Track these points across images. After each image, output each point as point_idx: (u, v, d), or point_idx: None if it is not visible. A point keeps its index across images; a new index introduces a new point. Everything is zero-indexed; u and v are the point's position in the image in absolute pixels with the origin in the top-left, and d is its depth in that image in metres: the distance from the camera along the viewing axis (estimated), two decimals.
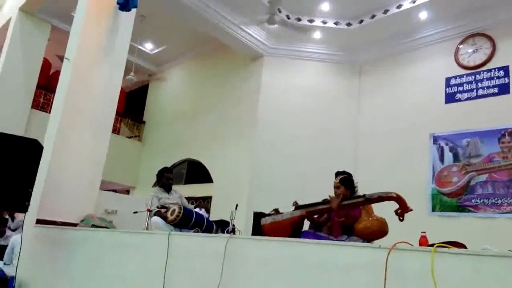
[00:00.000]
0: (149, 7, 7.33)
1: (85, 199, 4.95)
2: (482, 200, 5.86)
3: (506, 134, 5.88)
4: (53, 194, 4.63)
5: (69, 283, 4.13)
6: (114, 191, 9.72)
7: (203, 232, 4.19)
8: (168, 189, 4.92)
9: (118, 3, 5.30)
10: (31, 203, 3.71)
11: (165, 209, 4.43)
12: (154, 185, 9.69)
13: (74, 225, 4.67)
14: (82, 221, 4.72)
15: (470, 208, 5.93)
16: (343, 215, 3.26)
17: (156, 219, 4.32)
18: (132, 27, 5.81)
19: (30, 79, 8.27)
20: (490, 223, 5.72)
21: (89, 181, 5.06)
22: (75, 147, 4.93)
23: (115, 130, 9.83)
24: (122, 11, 5.38)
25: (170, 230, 3.86)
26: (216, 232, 4.36)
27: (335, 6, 7.15)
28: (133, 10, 5.57)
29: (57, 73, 6.19)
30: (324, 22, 7.50)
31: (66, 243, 4.34)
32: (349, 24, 7.40)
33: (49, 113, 5.51)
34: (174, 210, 4.21)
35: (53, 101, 5.32)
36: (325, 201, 3.31)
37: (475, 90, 6.39)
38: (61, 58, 5.49)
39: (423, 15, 6.77)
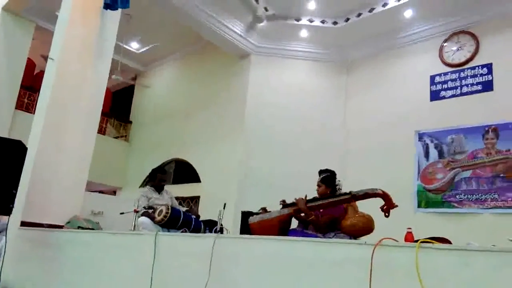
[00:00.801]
0: (135, 6, 7.25)
1: (71, 200, 4.90)
2: (466, 196, 5.95)
3: (490, 130, 5.98)
4: (38, 196, 4.57)
5: (56, 285, 4.09)
6: (101, 192, 9.64)
7: (191, 232, 4.18)
8: (159, 190, 4.86)
9: (104, 2, 5.25)
10: (15, 205, 3.66)
11: (152, 210, 4.41)
12: (142, 185, 9.65)
13: (60, 227, 4.62)
14: (68, 223, 4.67)
15: (455, 204, 6.02)
16: (325, 214, 3.29)
17: (144, 219, 4.29)
18: (117, 26, 5.76)
19: (14, 79, 8.14)
20: (475, 219, 5.81)
21: (75, 182, 5.01)
22: (60, 148, 4.87)
23: (101, 131, 9.74)
24: (108, 9, 5.33)
25: (158, 230, 3.84)
26: (204, 231, 4.35)
27: (322, 5, 7.18)
28: (119, 9, 5.53)
29: (42, 73, 6.10)
30: (311, 21, 7.52)
31: (52, 245, 4.29)
32: (335, 23, 7.44)
33: (34, 113, 5.43)
34: (161, 211, 4.19)
35: (37, 102, 5.25)
36: (292, 204, 3.34)
37: (459, 87, 6.48)
38: (46, 58, 5.42)
39: (408, 13, 6.84)
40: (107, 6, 5.29)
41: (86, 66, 5.25)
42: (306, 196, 3.34)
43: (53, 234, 4.42)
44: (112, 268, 3.66)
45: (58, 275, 4.13)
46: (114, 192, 10.56)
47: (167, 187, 5.02)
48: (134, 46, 10.00)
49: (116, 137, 10.76)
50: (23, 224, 4.44)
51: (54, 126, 4.85)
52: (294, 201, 3.35)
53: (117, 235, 3.92)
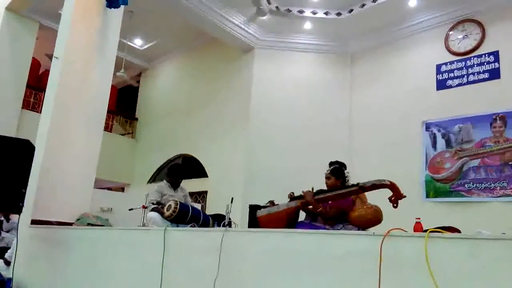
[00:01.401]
0: (137, 2, 7.26)
1: (80, 198, 4.93)
2: (475, 184, 5.92)
3: (498, 118, 5.92)
4: (47, 194, 4.61)
5: (67, 283, 4.13)
6: (109, 189, 9.70)
7: (199, 226, 4.20)
8: (175, 186, 4.83)
9: (106, 0, 5.26)
10: (25, 203, 3.69)
11: (161, 205, 4.43)
12: (150, 181, 9.70)
13: (70, 224, 4.66)
14: (77, 220, 4.71)
15: (464, 193, 5.99)
16: (333, 206, 3.29)
17: (153, 214, 4.32)
18: (120, 23, 5.76)
19: (20, 79, 8.18)
20: (484, 207, 5.78)
21: (83, 179, 5.03)
22: (67, 146, 4.90)
23: (108, 128, 9.79)
24: (110, 8, 5.33)
25: (167, 225, 3.86)
26: (213, 226, 4.38)
27: None
28: (122, 6, 5.52)
29: (47, 73, 6.14)
30: (314, 13, 7.47)
31: (62, 242, 4.33)
32: (339, 14, 7.38)
33: (40, 113, 5.46)
34: (170, 206, 4.22)
35: (43, 101, 5.27)
36: (300, 196, 3.34)
37: (466, 76, 6.42)
38: (50, 57, 5.43)
39: (413, 2, 6.76)
40: (109, 4, 5.29)
41: (91, 64, 5.26)
42: (313, 189, 3.34)
43: (63, 231, 4.46)
44: (122, 264, 3.69)
45: (68, 272, 4.17)
46: (122, 189, 10.63)
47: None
48: (137, 43, 10.00)
49: (123, 134, 10.81)
50: (33, 222, 4.48)
51: (61, 124, 4.87)
52: (302, 193, 3.34)
53: (127, 231, 3.94)
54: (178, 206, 4.15)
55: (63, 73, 4.94)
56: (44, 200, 4.57)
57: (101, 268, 3.89)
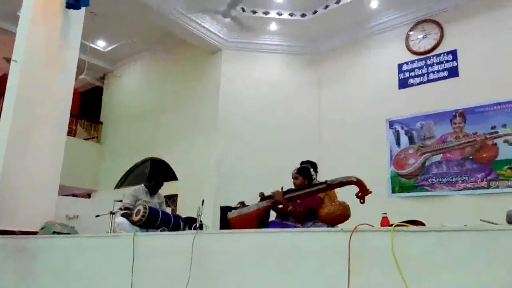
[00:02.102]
0: (100, 3, 7.09)
1: (44, 205, 4.76)
2: (438, 179, 6.15)
3: (457, 115, 6.17)
4: (9, 203, 4.42)
5: None
6: (75, 195, 9.42)
7: (170, 230, 4.15)
8: (152, 192, 4.71)
9: (66, 2, 5.11)
10: None
11: (129, 210, 4.34)
12: (117, 186, 9.49)
13: (34, 233, 4.49)
14: (42, 228, 4.55)
15: (427, 188, 6.21)
16: (302, 204, 3.34)
17: (121, 220, 4.23)
18: (82, 24, 5.61)
19: None
20: (447, 201, 6.01)
21: (47, 186, 4.87)
22: (29, 152, 4.73)
23: (71, 133, 9.50)
24: (70, 9, 5.18)
25: (136, 231, 3.79)
26: (184, 229, 4.33)
27: None
28: (83, 8, 5.38)
29: (5, 77, 5.88)
30: (279, 14, 7.54)
31: (27, 252, 4.17)
32: (303, 15, 7.49)
33: None
34: (139, 211, 4.13)
35: (2, 106, 5.06)
36: (270, 196, 3.37)
37: (426, 74, 6.65)
38: (9, 60, 5.22)
39: (374, 3, 6.95)
40: (69, 5, 5.14)
41: (52, 67, 5.09)
42: (282, 188, 3.37)
43: (27, 240, 4.30)
44: (91, 272, 3.59)
45: (35, 282, 4.02)
46: (88, 195, 10.34)
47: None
48: (100, 44, 9.77)
49: (87, 139, 10.52)
50: None
51: (21, 131, 4.69)
52: (271, 193, 3.37)
53: (94, 238, 3.85)
54: (147, 211, 4.08)
55: (22, 77, 4.76)
56: (6, 209, 4.39)
57: (70, 276, 3.78)
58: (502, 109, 5.79)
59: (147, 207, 4.13)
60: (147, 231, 4.09)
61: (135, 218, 4.08)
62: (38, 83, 4.92)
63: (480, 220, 2.24)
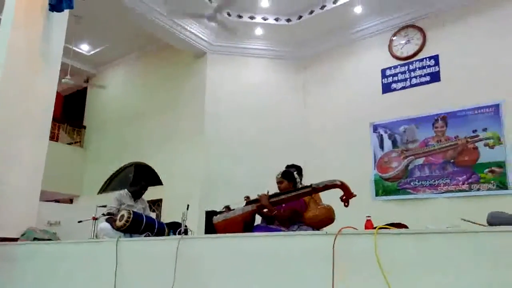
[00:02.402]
0: (85, 7, 7.01)
1: (25, 211, 4.67)
2: (420, 182, 6.24)
3: (439, 119, 6.29)
4: None
5: None
6: (57, 201, 9.25)
7: (154, 235, 4.10)
8: (136, 197, 4.66)
9: (49, 3, 5.04)
10: None
11: (112, 215, 4.29)
12: (100, 191, 9.36)
13: (15, 240, 4.39)
14: (22, 235, 4.45)
15: (410, 191, 6.29)
16: (287, 208, 3.35)
17: (104, 225, 4.17)
18: (65, 28, 5.54)
19: None
20: (430, 203, 6.10)
21: (28, 192, 4.77)
22: (10, 157, 4.63)
23: (54, 137, 9.33)
24: (53, 11, 5.12)
25: (120, 236, 3.74)
26: (168, 234, 4.29)
27: (275, 3, 7.24)
28: (66, 11, 5.32)
29: None
30: (265, 19, 7.58)
31: (8, 259, 4.09)
32: (289, 20, 7.54)
33: None
34: (123, 216, 4.07)
35: None
36: (255, 200, 3.38)
37: (408, 79, 6.76)
38: None
39: (358, 9, 7.04)
40: (52, 8, 5.08)
41: (34, 70, 5.01)
42: (268, 192, 3.38)
43: (7, 247, 4.21)
44: (74, 279, 3.53)
45: None
46: (70, 201, 10.16)
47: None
48: (84, 48, 9.65)
49: (70, 143, 10.34)
50: None
51: (3, 135, 4.60)
52: (257, 197, 3.37)
53: (77, 244, 3.79)
54: (131, 216, 4.03)
55: (3, 81, 4.67)
56: None
57: (52, 283, 3.71)
58: (483, 113, 5.92)
59: (131, 212, 4.08)
60: (131, 236, 4.04)
61: (119, 223, 4.03)
62: (20, 87, 4.83)
63: (461, 219, 2.27)
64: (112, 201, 4.45)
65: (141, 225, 4.10)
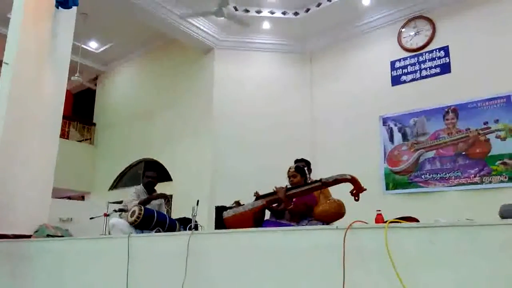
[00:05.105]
0: (91, 4, 7.05)
1: (37, 209, 4.73)
2: (431, 175, 6.18)
3: (450, 111, 6.21)
4: (3, 207, 4.38)
5: None
6: (69, 198, 9.37)
7: (165, 231, 4.13)
8: (149, 190, 4.73)
9: (56, 0, 5.07)
10: None
11: (124, 211, 4.33)
12: (111, 188, 9.45)
13: (28, 236, 4.46)
14: (35, 232, 4.51)
15: (421, 184, 6.24)
16: (299, 202, 3.34)
17: (116, 221, 4.21)
18: (73, 25, 5.57)
19: None
20: (440, 197, 6.05)
21: (40, 190, 4.83)
22: (21, 155, 4.68)
23: (64, 135, 9.43)
24: (61, 8, 5.15)
25: (130, 232, 3.78)
26: (179, 230, 4.32)
27: None
28: (74, 8, 5.35)
29: None
30: (272, 13, 7.54)
31: (21, 256, 4.14)
32: (296, 14, 7.50)
33: None
34: (134, 211, 4.12)
35: None
36: (270, 194, 3.37)
37: (418, 71, 6.69)
38: (0, 63, 5.18)
39: (366, 1, 6.97)
40: (59, 4, 5.11)
41: (43, 68, 5.05)
42: (286, 186, 3.37)
43: (21, 244, 4.27)
44: (86, 275, 3.58)
45: (29, 286, 3.99)
46: (82, 197, 10.28)
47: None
48: (93, 45, 9.71)
49: (80, 141, 10.45)
50: None
51: (14, 133, 4.65)
52: (275, 189, 3.35)
53: (89, 240, 3.83)
54: (142, 212, 4.07)
55: (14, 79, 4.71)
56: (0, 212, 4.35)
57: (65, 280, 3.75)
58: (494, 104, 5.83)
59: (142, 208, 4.12)
60: (142, 232, 4.08)
61: (130, 219, 4.07)
62: (30, 85, 4.87)
63: (466, 220, 2.24)
64: (132, 195, 4.53)
65: (152, 221, 4.13)
